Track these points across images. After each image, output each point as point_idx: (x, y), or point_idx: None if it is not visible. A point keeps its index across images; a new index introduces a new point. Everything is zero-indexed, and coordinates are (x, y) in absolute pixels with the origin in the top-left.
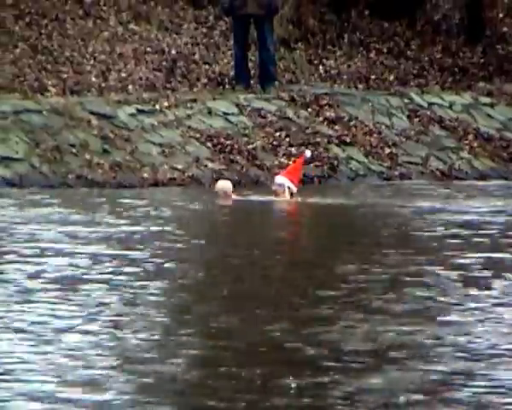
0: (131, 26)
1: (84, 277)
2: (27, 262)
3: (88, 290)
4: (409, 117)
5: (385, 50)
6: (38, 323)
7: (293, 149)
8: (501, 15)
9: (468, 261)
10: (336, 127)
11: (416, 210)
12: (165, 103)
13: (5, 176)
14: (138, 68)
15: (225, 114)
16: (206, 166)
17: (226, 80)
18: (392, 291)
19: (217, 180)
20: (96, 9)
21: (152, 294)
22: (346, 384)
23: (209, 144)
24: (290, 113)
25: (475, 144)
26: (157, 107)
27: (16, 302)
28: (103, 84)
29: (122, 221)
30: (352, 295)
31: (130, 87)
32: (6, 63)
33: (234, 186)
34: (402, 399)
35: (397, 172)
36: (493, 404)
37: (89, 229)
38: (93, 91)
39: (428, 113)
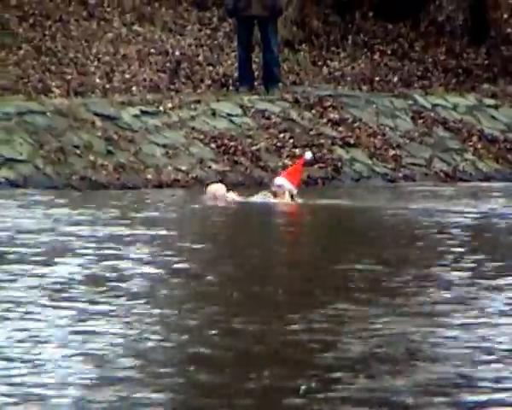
0: (135, 27)
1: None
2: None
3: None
4: (413, 119)
5: (389, 52)
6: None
7: (296, 151)
8: (505, 16)
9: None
10: (340, 129)
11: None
12: (169, 105)
13: (9, 177)
14: (142, 70)
15: (229, 115)
16: (209, 167)
17: (230, 82)
18: (411, 292)
19: (208, 184)
20: (100, 11)
21: (168, 293)
22: (359, 386)
23: (213, 146)
24: (294, 114)
25: (479, 146)
26: (161, 108)
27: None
28: (107, 86)
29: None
30: (368, 296)
31: (134, 88)
32: (10, 64)
33: (227, 189)
34: (410, 400)
35: (401, 174)
36: None
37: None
38: (97, 93)
39: (432, 114)
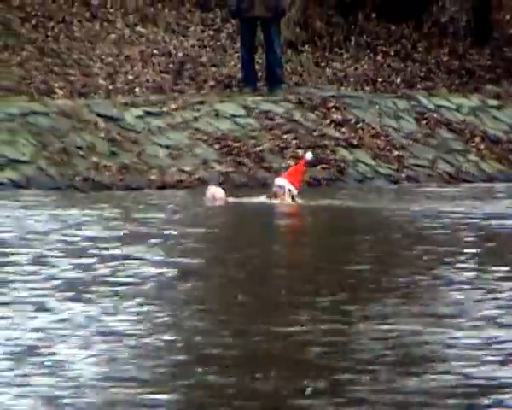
0: (138, 28)
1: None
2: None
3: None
4: (416, 120)
5: (392, 53)
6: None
7: (300, 152)
8: (508, 17)
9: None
10: (343, 130)
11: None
12: (173, 106)
13: (12, 178)
14: (145, 71)
15: (233, 116)
16: (213, 168)
17: (233, 83)
18: (417, 293)
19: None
20: (103, 12)
21: (180, 295)
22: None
23: (216, 146)
24: (297, 115)
25: (483, 147)
26: (164, 109)
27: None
28: (110, 87)
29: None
30: (375, 297)
31: (137, 89)
32: (13, 65)
33: (225, 192)
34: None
35: (404, 175)
36: None
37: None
38: (100, 94)
39: (436, 115)
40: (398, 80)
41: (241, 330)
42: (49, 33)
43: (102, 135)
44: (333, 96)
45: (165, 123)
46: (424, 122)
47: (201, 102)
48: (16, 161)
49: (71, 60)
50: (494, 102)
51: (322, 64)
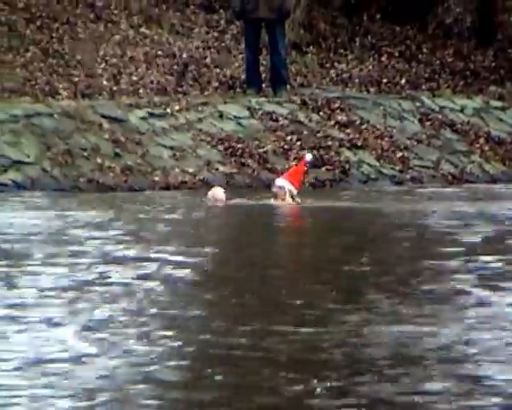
0: (143, 29)
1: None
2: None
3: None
4: (420, 121)
5: (396, 54)
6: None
7: (304, 153)
8: None
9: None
10: (348, 131)
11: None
12: (177, 107)
13: (16, 179)
14: (149, 72)
15: (236, 117)
16: (217, 169)
17: (237, 84)
18: (425, 293)
19: (212, 186)
20: (108, 13)
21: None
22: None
23: (220, 148)
24: (302, 116)
25: (486, 148)
26: (168, 110)
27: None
28: (114, 88)
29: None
30: (384, 299)
31: (141, 91)
32: (17, 67)
33: (226, 193)
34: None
35: (408, 176)
36: None
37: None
38: (104, 95)
39: (440, 116)
40: (403, 81)
41: (252, 331)
42: (54, 35)
43: (106, 136)
44: (337, 98)
45: (169, 124)
46: (428, 123)
47: (205, 104)
48: (20, 163)
49: (75, 61)
50: (498, 104)
51: (327, 65)
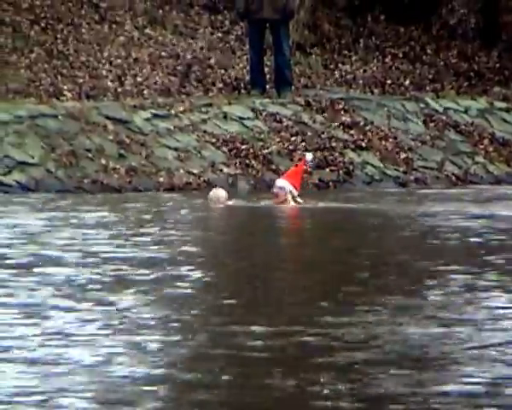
0: (147, 30)
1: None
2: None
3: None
4: (424, 122)
5: (400, 55)
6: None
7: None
8: None
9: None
10: (352, 132)
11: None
12: (181, 108)
13: (21, 181)
14: (154, 73)
15: (241, 118)
16: (221, 170)
17: (242, 85)
18: (432, 295)
19: (213, 187)
20: (112, 14)
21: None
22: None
23: (224, 149)
24: (306, 117)
25: (491, 149)
26: (172, 111)
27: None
28: (119, 89)
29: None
30: (393, 299)
31: (145, 92)
32: (22, 68)
33: (228, 194)
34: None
35: (412, 177)
36: None
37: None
38: (109, 96)
39: (444, 117)
40: (407, 82)
41: (261, 332)
42: (58, 36)
43: (111, 137)
44: (341, 99)
45: (173, 125)
46: (432, 124)
47: (209, 105)
48: (24, 164)
49: (79, 62)
50: (502, 105)
51: (331, 66)
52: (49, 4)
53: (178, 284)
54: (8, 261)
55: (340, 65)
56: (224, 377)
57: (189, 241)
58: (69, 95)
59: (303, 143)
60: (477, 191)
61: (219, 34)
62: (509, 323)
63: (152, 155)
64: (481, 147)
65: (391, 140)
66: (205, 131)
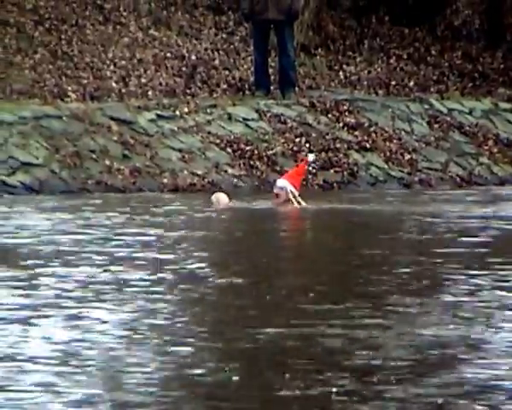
0: (151, 31)
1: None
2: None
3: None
4: (429, 123)
5: (405, 56)
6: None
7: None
8: None
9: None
10: (356, 133)
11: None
12: (185, 109)
13: (25, 181)
14: (158, 74)
15: (245, 119)
16: (225, 171)
17: (246, 86)
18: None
19: (215, 192)
20: (116, 15)
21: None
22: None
23: (229, 150)
24: (310, 119)
25: (495, 150)
26: (177, 112)
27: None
28: (123, 90)
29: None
30: (399, 301)
31: (150, 93)
32: (26, 69)
33: (230, 197)
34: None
35: (417, 178)
36: None
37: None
38: (113, 97)
39: (448, 119)
40: (411, 84)
41: (268, 332)
42: (62, 36)
43: (115, 138)
44: (346, 100)
45: (177, 126)
46: (437, 125)
47: (214, 106)
48: (29, 165)
49: (84, 63)
50: (507, 106)
51: (336, 67)
52: (53, 5)
53: (186, 286)
54: (15, 261)
55: (344, 66)
56: (235, 378)
57: (193, 242)
58: (73, 96)
59: (307, 145)
60: (481, 192)
61: (224, 35)
62: None
63: (156, 155)
64: (486, 148)
65: (395, 141)
66: (209, 132)
